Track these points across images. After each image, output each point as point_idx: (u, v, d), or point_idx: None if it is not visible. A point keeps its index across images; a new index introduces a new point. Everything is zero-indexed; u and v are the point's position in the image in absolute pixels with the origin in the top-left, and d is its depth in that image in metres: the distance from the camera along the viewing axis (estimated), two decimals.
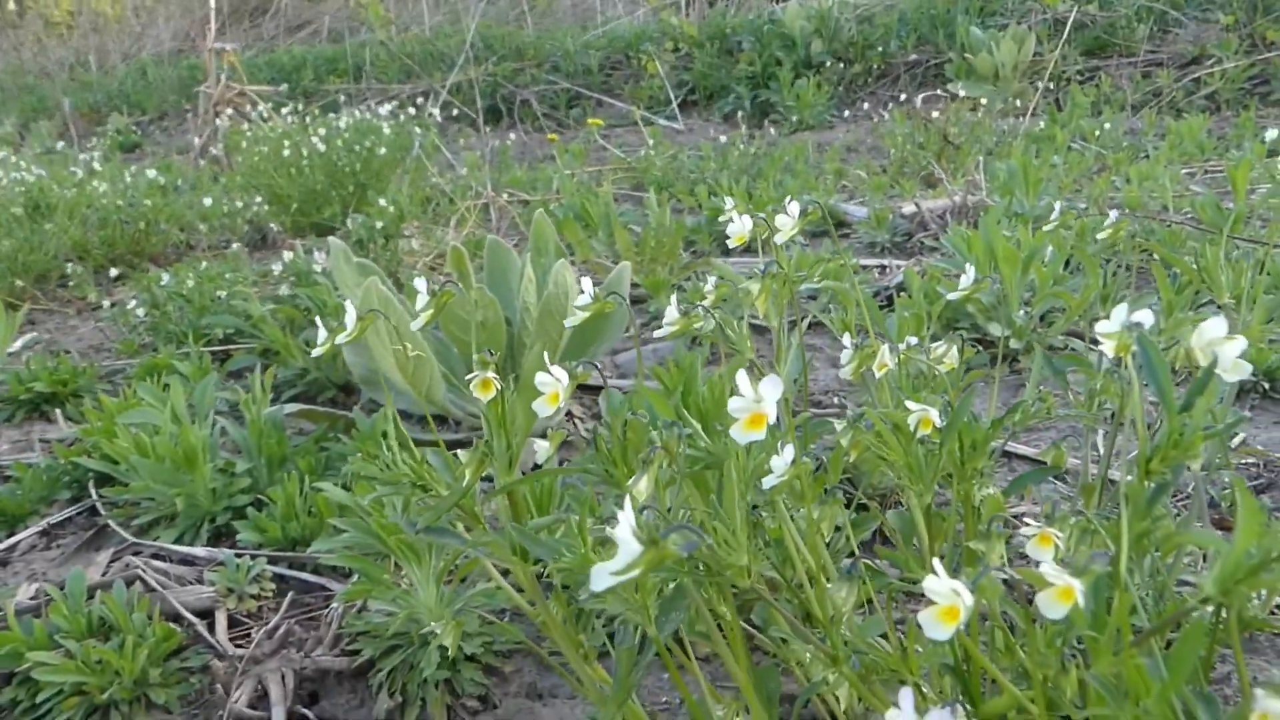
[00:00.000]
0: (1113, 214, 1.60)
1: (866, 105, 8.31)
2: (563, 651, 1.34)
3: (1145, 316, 0.89)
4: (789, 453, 0.99)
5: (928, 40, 8.98)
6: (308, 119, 6.37)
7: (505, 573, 1.37)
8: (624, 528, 0.59)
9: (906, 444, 0.94)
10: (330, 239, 2.75)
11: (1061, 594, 0.65)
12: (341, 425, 2.49)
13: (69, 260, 4.92)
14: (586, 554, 0.97)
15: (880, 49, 9.11)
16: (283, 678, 1.66)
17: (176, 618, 1.81)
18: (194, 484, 2.17)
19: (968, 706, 0.94)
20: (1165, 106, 7.16)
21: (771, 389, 0.76)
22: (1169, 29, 7.93)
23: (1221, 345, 0.88)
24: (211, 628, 1.80)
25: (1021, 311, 3.12)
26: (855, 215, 4.73)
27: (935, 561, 0.63)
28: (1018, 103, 6.92)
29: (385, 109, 6.51)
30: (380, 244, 4.34)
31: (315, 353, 1.21)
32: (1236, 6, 7.61)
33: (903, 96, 8.31)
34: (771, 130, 8.14)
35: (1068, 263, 3.44)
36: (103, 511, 2.26)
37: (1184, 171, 5.04)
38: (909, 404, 0.97)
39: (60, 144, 9.61)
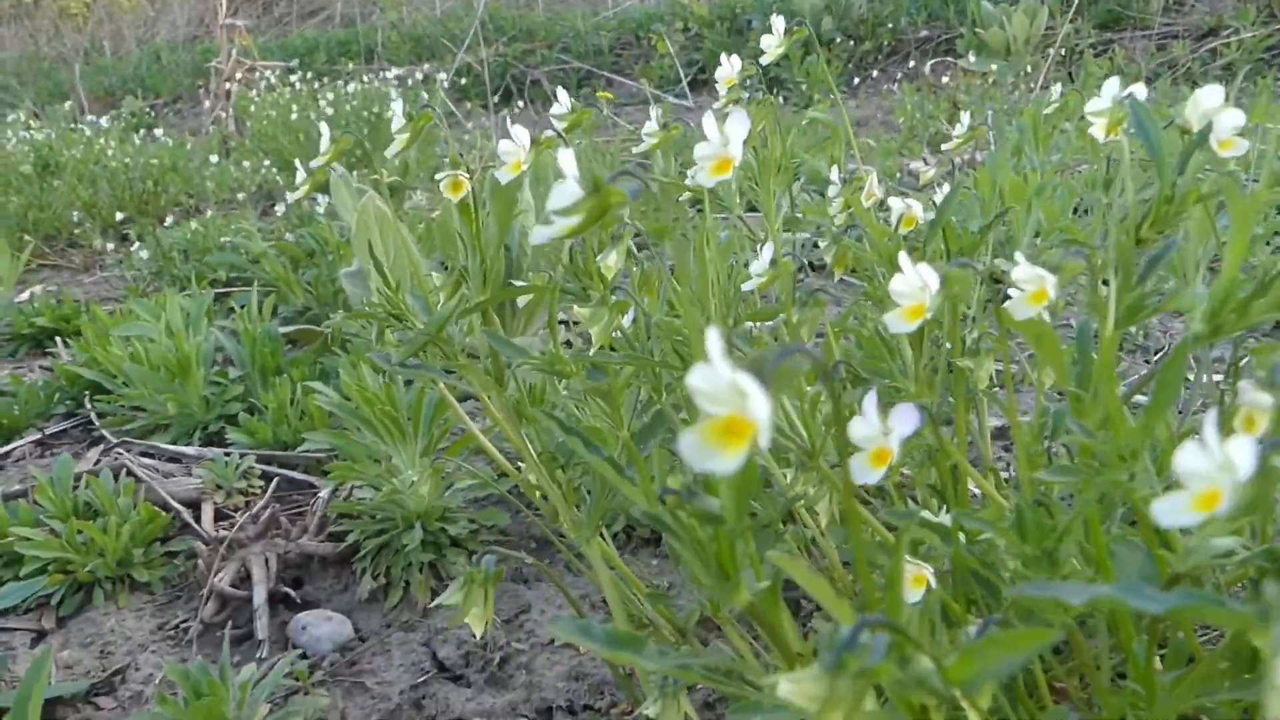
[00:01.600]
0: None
1: (876, 75, 8.26)
2: (556, 511, 1.31)
3: (1138, 89, 0.86)
4: (768, 252, 0.97)
5: (938, 16, 8.92)
6: (316, 85, 6.37)
7: (513, 460, 1.34)
8: (568, 180, 0.56)
9: (888, 236, 0.91)
10: (333, 165, 2.74)
11: (1034, 297, 0.62)
12: (338, 343, 2.48)
13: (76, 216, 4.93)
14: (555, 351, 0.95)
15: (891, 25, 9.05)
16: (266, 560, 1.65)
17: (164, 507, 1.80)
18: (187, 392, 2.16)
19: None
20: (1180, 77, 7.07)
21: (738, 126, 0.73)
22: (1184, 1, 7.84)
23: (1218, 114, 0.84)
24: (198, 517, 1.79)
25: (1028, 247, 3.07)
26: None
27: (902, 255, 0.61)
28: (1029, 70, 6.85)
29: (392, 74, 6.51)
30: (385, 196, 4.33)
31: (293, 196, 1.19)
32: None
33: (912, 64, 8.25)
34: (781, 100, 8.09)
35: (1076, 209, 3.40)
36: (96, 422, 2.25)
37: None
38: (892, 200, 0.94)
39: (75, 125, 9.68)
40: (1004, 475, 1.50)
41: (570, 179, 0.56)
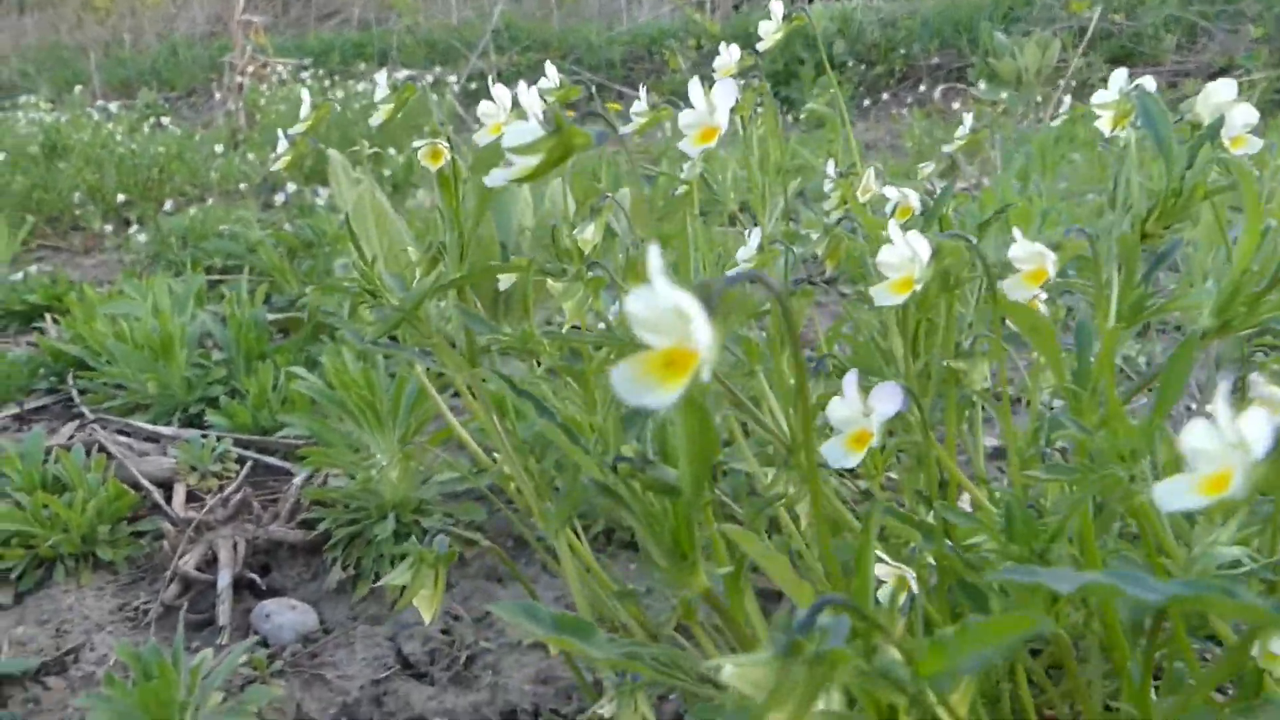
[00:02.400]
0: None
1: (886, 99, 8.26)
2: (530, 504, 1.26)
3: (1148, 81, 0.82)
4: (755, 238, 0.93)
5: (950, 44, 8.93)
6: (327, 83, 6.37)
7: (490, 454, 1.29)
8: (530, 118, 0.53)
9: (880, 224, 0.87)
10: (331, 151, 2.71)
11: (1032, 276, 0.58)
12: (327, 332, 2.44)
13: (79, 199, 4.91)
14: (529, 330, 0.91)
15: (903, 51, 9.06)
16: (234, 545, 1.60)
17: (135, 486, 1.75)
18: (169, 372, 2.12)
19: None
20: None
21: (725, 94, 0.70)
22: (1197, 39, 7.84)
23: (1230, 109, 0.81)
24: (169, 498, 1.74)
25: None
26: None
27: (892, 224, 0.57)
28: (1038, 100, 6.84)
29: (402, 74, 6.51)
30: (389, 192, 4.31)
31: (275, 165, 1.16)
32: (1267, 18, 7.52)
33: (922, 90, 8.26)
34: (789, 119, 8.10)
35: None
36: (77, 398, 2.21)
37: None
38: (888, 190, 0.90)
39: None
40: (998, 493, 1.45)
41: (532, 117, 0.52)
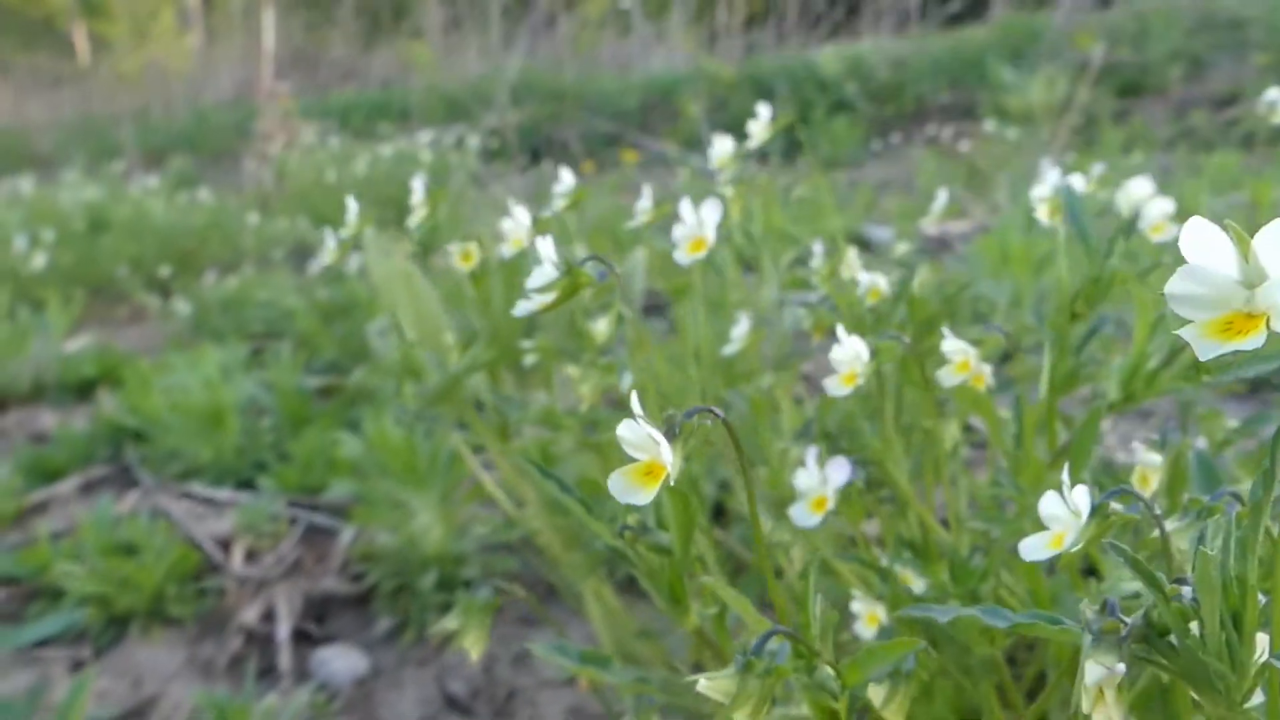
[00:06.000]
0: None
1: (897, 140, 8.44)
2: (557, 555, 1.40)
3: (1076, 180, 0.96)
4: (745, 323, 1.07)
5: (960, 82, 9.11)
6: (352, 147, 6.63)
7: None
8: (545, 263, 0.67)
9: (856, 307, 1.01)
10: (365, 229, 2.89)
11: (959, 367, 0.72)
12: (365, 396, 2.60)
13: (123, 271, 5.15)
14: (553, 407, 1.05)
15: (913, 91, 9.25)
16: (290, 599, 1.74)
17: (197, 547, 1.90)
18: (222, 439, 2.28)
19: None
20: (1198, 144, 7.16)
21: (711, 213, 0.84)
22: (1203, 69, 7.96)
23: (1147, 203, 0.94)
24: (228, 558, 1.89)
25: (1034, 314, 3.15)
26: (879, 237, 4.81)
27: (839, 328, 0.71)
28: (1046, 135, 6.98)
29: (425, 137, 6.77)
30: (414, 254, 4.49)
31: (324, 261, 1.32)
32: (1273, 47, 7.63)
33: (932, 131, 8.43)
34: (802, 165, 8.28)
35: None
36: (135, 467, 2.38)
37: (1214, 199, 5.05)
38: (860, 275, 1.04)
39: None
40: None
41: (548, 263, 0.67)
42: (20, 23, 19.22)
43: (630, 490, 0.45)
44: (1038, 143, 7.36)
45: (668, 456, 0.43)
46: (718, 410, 0.48)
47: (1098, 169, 1.42)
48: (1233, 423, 1.02)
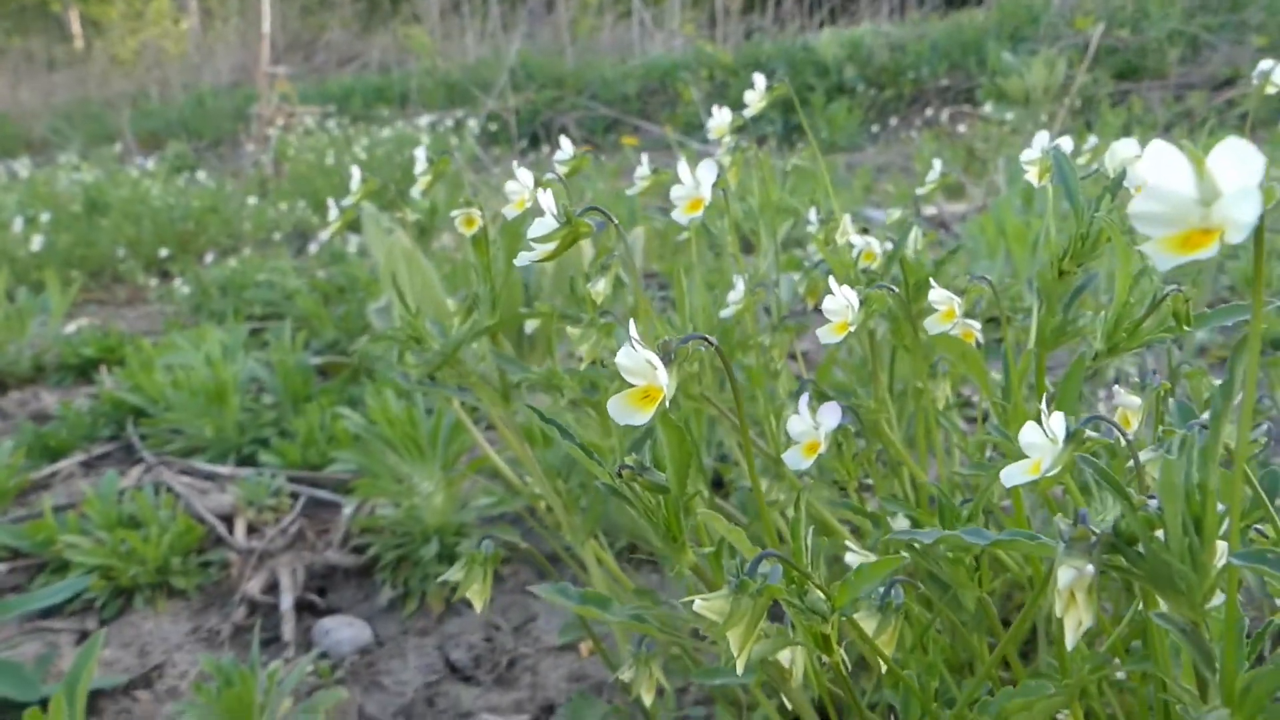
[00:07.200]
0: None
1: (896, 123, 8.43)
2: (560, 521, 1.41)
3: (1064, 142, 0.97)
4: (740, 286, 1.09)
5: (959, 66, 9.09)
6: (351, 130, 6.63)
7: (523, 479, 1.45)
8: (546, 215, 0.69)
9: (849, 269, 1.02)
10: (364, 204, 2.90)
11: (944, 315, 0.73)
12: (365, 374, 2.62)
13: (121, 253, 5.16)
14: (554, 368, 1.07)
15: (912, 75, 9.23)
16: (293, 571, 1.77)
17: (200, 520, 1.92)
18: (224, 416, 2.30)
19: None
20: (1197, 126, 7.16)
21: (707, 174, 0.86)
22: (1201, 51, 7.95)
23: (1132, 164, 0.95)
24: (231, 530, 1.91)
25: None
26: (876, 219, 4.82)
27: (830, 279, 0.72)
28: (1044, 118, 6.98)
29: (424, 120, 6.76)
30: (413, 235, 4.50)
31: (325, 233, 1.33)
32: (1271, 28, 7.62)
33: (930, 113, 8.41)
34: (800, 147, 8.27)
35: None
36: (138, 444, 2.40)
37: None
38: (853, 238, 1.05)
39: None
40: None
41: (549, 214, 0.69)
42: (13, 6, 19.13)
43: (629, 412, 0.47)
44: (1036, 125, 7.35)
45: (664, 379, 0.45)
46: (711, 339, 0.50)
47: (1093, 140, 1.43)
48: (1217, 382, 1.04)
